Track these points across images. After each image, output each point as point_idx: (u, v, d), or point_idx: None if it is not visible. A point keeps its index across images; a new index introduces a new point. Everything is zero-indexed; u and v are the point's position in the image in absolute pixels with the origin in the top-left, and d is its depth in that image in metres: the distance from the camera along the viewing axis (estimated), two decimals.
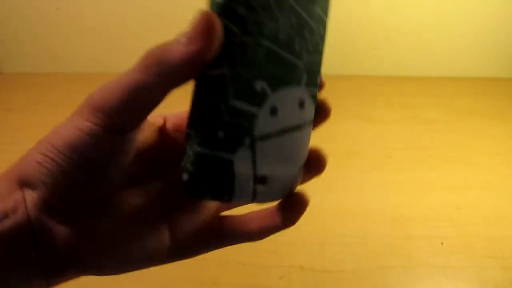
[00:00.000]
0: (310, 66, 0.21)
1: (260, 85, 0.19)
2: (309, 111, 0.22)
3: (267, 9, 0.18)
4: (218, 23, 0.17)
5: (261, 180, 0.20)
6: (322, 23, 0.22)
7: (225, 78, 0.18)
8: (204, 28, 0.17)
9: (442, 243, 0.45)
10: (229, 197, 0.19)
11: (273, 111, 0.20)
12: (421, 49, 0.76)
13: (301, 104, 0.21)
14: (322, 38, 0.22)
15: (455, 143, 0.61)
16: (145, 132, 0.22)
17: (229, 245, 0.23)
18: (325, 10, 0.22)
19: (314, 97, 0.22)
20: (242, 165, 0.19)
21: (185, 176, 0.19)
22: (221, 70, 0.18)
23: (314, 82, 0.22)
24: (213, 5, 0.18)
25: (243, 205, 0.24)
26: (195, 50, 0.17)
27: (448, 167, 0.57)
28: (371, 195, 0.52)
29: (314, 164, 0.24)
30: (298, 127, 0.21)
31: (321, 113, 0.24)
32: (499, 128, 0.65)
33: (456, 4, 0.70)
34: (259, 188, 0.20)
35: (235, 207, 0.24)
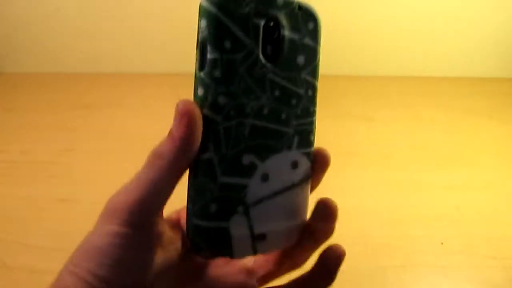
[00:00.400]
0: (301, 129, 0.22)
1: (247, 159, 0.21)
2: (304, 168, 0.23)
3: (247, 91, 0.20)
4: (198, 115, 0.19)
5: (259, 237, 0.22)
6: (310, 86, 0.22)
7: (211, 161, 0.20)
8: (185, 121, 0.19)
9: (442, 243, 0.45)
10: (231, 256, 0.22)
11: (264, 178, 0.21)
12: (421, 49, 0.76)
13: (294, 165, 0.22)
14: (312, 99, 0.23)
15: (455, 143, 0.61)
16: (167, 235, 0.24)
17: None
18: (313, 73, 0.22)
19: (309, 154, 0.23)
20: (238, 229, 0.21)
21: (189, 243, 0.22)
22: (207, 155, 0.20)
23: (308, 142, 0.23)
24: (195, 96, 0.20)
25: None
26: (181, 144, 0.20)
27: (448, 167, 0.57)
28: (371, 195, 0.52)
29: (319, 163, 0.25)
30: (292, 186, 0.22)
31: (321, 162, 0.24)
32: (499, 128, 0.65)
33: (456, 4, 0.70)
34: (258, 244, 0.22)
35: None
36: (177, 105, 0.20)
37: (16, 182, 0.54)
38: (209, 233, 0.21)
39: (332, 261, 0.25)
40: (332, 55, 0.78)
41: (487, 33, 0.74)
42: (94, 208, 0.53)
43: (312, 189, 0.25)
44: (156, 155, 0.21)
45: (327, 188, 0.54)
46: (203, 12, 0.19)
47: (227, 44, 0.19)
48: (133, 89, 0.76)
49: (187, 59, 0.86)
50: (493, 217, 0.49)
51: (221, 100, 0.19)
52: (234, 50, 0.19)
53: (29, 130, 0.65)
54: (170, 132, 0.21)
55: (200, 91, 0.20)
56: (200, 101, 0.20)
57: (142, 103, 0.72)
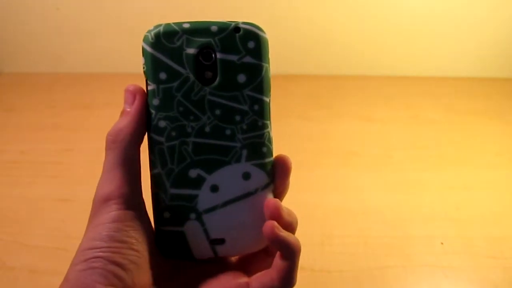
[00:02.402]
0: (250, 142, 0.23)
1: (194, 172, 0.23)
2: (258, 179, 0.24)
3: (187, 113, 0.22)
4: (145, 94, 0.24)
5: (217, 241, 0.24)
6: (256, 101, 0.23)
7: (160, 175, 0.23)
8: (139, 98, 0.23)
9: (442, 243, 0.45)
10: (191, 257, 0.24)
11: (214, 189, 0.23)
12: (421, 49, 0.76)
13: (246, 176, 0.24)
14: (260, 113, 0.24)
15: (455, 143, 0.61)
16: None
17: None
18: (258, 89, 0.23)
19: (263, 164, 0.24)
20: (193, 234, 0.24)
21: (156, 246, 0.24)
22: (156, 170, 0.23)
23: (260, 153, 0.24)
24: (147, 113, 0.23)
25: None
26: (139, 116, 0.23)
27: (448, 167, 0.57)
28: (371, 195, 0.52)
29: (281, 170, 0.25)
30: (246, 195, 0.24)
31: (282, 169, 0.25)
32: (499, 128, 0.65)
33: (456, 4, 0.70)
34: (218, 247, 0.24)
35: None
36: (127, 87, 0.24)
37: (16, 182, 0.54)
38: (167, 236, 0.24)
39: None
40: (332, 55, 0.78)
41: (487, 33, 0.74)
42: None
43: (280, 194, 0.25)
44: (113, 134, 0.23)
45: (327, 187, 0.54)
46: (142, 51, 0.23)
47: (162, 76, 0.22)
48: None
49: None
50: (493, 217, 0.49)
51: (161, 124, 0.23)
52: (169, 80, 0.22)
53: (29, 130, 0.65)
54: (124, 111, 0.23)
55: (147, 117, 0.23)
56: (148, 124, 0.23)
57: None
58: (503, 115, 0.68)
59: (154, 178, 0.23)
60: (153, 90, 0.23)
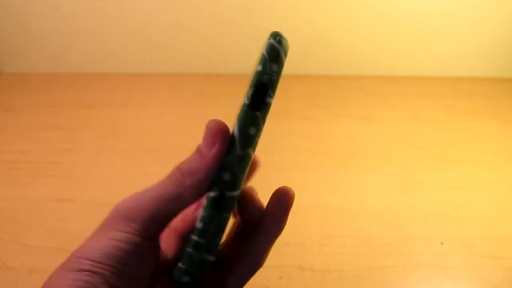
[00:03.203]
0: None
1: None
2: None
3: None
4: (228, 137, 0.20)
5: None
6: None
7: (235, 198, 0.21)
8: (219, 141, 0.20)
9: (442, 243, 0.45)
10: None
11: None
12: (421, 49, 0.76)
13: None
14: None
15: (455, 143, 0.61)
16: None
17: None
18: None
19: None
20: None
21: (185, 278, 0.21)
22: (236, 192, 0.21)
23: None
24: (241, 128, 0.21)
25: None
26: (214, 163, 0.20)
27: (448, 167, 0.57)
28: (371, 195, 0.52)
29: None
30: None
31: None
32: (499, 128, 0.65)
33: (456, 4, 0.70)
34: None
35: None
36: (209, 123, 0.20)
37: (16, 182, 0.54)
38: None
39: (283, 201, 0.23)
40: (332, 55, 0.78)
41: (487, 33, 0.74)
42: (94, 208, 0.53)
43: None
44: (185, 171, 0.21)
45: (327, 187, 0.54)
46: (276, 57, 0.20)
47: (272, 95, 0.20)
48: (133, 89, 0.76)
49: (187, 59, 0.87)
50: (493, 217, 0.49)
51: (252, 150, 0.21)
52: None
53: (29, 130, 0.65)
54: (200, 150, 0.21)
55: (252, 130, 0.20)
56: (251, 141, 0.20)
57: (142, 103, 0.72)
58: (503, 115, 0.68)
59: (222, 223, 0.21)
60: (270, 105, 0.21)
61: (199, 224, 0.21)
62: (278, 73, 0.20)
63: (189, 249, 0.21)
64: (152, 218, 0.20)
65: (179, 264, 0.22)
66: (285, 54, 0.20)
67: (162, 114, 0.68)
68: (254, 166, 0.24)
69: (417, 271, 0.42)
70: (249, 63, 0.90)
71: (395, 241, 0.46)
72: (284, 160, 0.57)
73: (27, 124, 0.67)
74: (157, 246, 0.21)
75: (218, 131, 0.20)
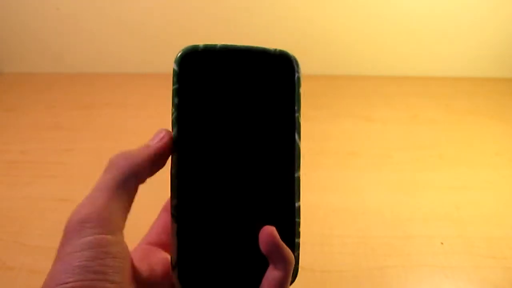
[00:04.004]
0: None
1: None
2: None
3: None
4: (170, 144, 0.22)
5: None
6: None
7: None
8: (165, 140, 0.22)
9: (442, 243, 0.45)
10: None
11: None
12: (421, 49, 0.76)
13: None
14: None
15: (455, 143, 0.61)
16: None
17: None
18: None
19: None
20: None
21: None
22: None
23: None
24: None
25: None
26: (156, 155, 0.22)
27: (448, 167, 0.57)
28: (371, 195, 0.52)
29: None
30: None
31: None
32: (499, 128, 0.65)
33: (456, 4, 0.70)
34: None
35: None
36: (159, 130, 0.23)
37: (16, 182, 0.54)
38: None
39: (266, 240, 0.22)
40: (332, 55, 0.78)
41: (487, 33, 0.74)
42: None
43: None
44: (122, 157, 0.22)
45: (327, 187, 0.54)
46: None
47: None
48: (133, 89, 0.76)
49: None
50: (493, 217, 0.49)
51: None
52: None
53: (29, 130, 0.65)
54: (146, 144, 0.22)
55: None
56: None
57: (141, 103, 0.72)
58: (503, 115, 0.68)
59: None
60: None
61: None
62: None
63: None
64: (103, 211, 0.20)
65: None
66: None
67: (162, 114, 0.68)
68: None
69: (417, 271, 0.42)
70: None
71: (395, 241, 0.46)
72: None
73: (27, 124, 0.67)
74: (119, 241, 0.20)
75: (165, 133, 0.22)
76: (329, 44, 0.75)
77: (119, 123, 0.67)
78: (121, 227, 0.20)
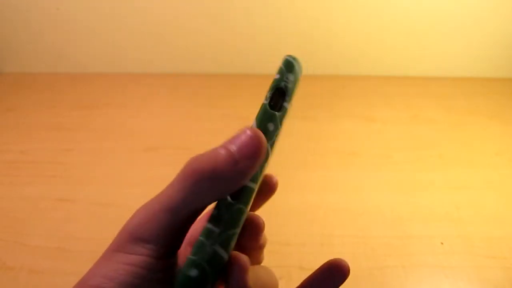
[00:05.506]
0: None
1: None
2: None
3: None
4: (265, 146, 0.17)
5: None
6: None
7: (253, 191, 0.20)
8: (253, 149, 0.17)
9: (442, 243, 0.45)
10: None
11: None
12: (421, 49, 0.76)
13: None
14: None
15: (455, 143, 0.61)
16: None
17: None
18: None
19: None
20: None
21: (193, 272, 0.18)
22: (254, 185, 0.20)
23: None
24: (263, 129, 0.20)
25: None
26: (245, 169, 0.17)
27: (448, 167, 0.57)
28: (371, 195, 0.52)
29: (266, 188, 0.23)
30: None
31: (268, 186, 0.23)
32: (499, 128, 0.65)
33: (456, 4, 0.70)
34: None
35: None
36: (246, 129, 0.17)
37: (16, 182, 0.54)
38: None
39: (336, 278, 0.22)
40: (332, 55, 0.78)
41: (487, 33, 0.74)
42: (94, 208, 0.53)
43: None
44: (204, 172, 0.17)
45: (327, 187, 0.54)
46: (292, 68, 0.22)
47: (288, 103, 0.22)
48: (133, 89, 0.76)
49: (187, 59, 0.87)
50: (493, 217, 0.49)
51: (269, 151, 0.21)
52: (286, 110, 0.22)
53: (29, 130, 0.65)
54: (229, 150, 0.17)
55: (271, 126, 0.21)
56: (269, 137, 0.20)
57: (141, 103, 0.72)
58: (503, 115, 0.68)
59: (247, 192, 0.20)
60: (286, 109, 0.22)
61: (214, 211, 0.19)
62: (293, 82, 0.22)
63: (201, 238, 0.19)
64: (166, 233, 0.17)
65: (188, 256, 0.19)
66: (300, 71, 0.23)
67: (162, 114, 0.68)
68: (271, 188, 0.23)
69: (417, 271, 0.42)
70: (249, 63, 0.91)
71: (395, 241, 0.46)
72: (284, 160, 0.57)
73: (27, 124, 0.67)
74: (174, 265, 0.19)
75: (257, 137, 0.17)
76: (329, 44, 0.75)
77: (119, 123, 0.67)
78: (177, 250, 0.19)
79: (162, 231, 0.17)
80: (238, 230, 0.20)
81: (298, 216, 0.48)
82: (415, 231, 0.47)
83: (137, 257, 0.17)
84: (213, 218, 0.19)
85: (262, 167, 0.20)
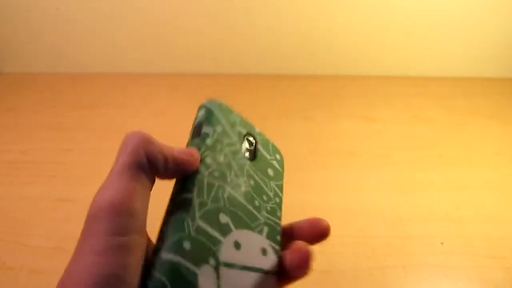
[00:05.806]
0: (270, 224, 0.25)
1: (224, 218, 0.23)
2: (271, 261, 0.24)
3: (229, 166, 0.24)
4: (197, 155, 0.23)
5: None
6: (277, 195, 0.27)
7: (192, 201, 0.22)
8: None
9: (442, 243, 0.45)
10: None
11: (237, 245, 0.23)
12: (421, 49, 0.76)
13: (264, 252, 0.24)
14: (279, 205, 0.26)
15: (455, 143, 0.61)
16: None
17: None
18: (279, 188, 0.27)
19: (276, 252, 0.24)
20: (206, 281, 0.21)
21: (152, 285, 0.19)
22: (188, 194, 0.22)
23: (276, 239, 0.25)
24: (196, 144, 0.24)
25: None
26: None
27: (448, 167, 0.57)
28: (371, 195, 0.52)
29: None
30: (260, 270, 0.23)
31: (320, 229, 0.25)
32: (499, 128, 0.65)
33: (457, 4, 0.70)
34: None
35: None
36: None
37: (16, 182, 0.54)
38: (178, 269, 0.20)
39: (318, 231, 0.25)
40: (332, 55, 0.78)
41: (487, 33, 0.74)
42: None
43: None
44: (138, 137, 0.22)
45: (327, 187, 0.54)
46: (201, 108, 0.26)
47: (219, 128, 0.25)
48: (133, 89, 0.76)
49: (187, 59, 0.87)
50: (493, 217, 0.49)
51: (208, 160, 0.24)
52: (224, 134, 0.25)
53: (29, 130, 0.65)
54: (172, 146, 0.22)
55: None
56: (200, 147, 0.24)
57: (141, 103, 0.72)
58: (503, 115, 0.68)
59: (184, 203, 0.22)
60: (206, 133, 0.25)
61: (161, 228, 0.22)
62: (203, 116, 0.26)
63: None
64: (128, 201, 0.19)
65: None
66: (218, 107, 0.26)
67: (162, 114, 0.68)
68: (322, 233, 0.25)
69: (417, 271, 0.42)
70: (249, 63, 0.90)
71: (395, 241, 0.46)
72: (284, 160, 0.57)
73: (27, 124, 0.67)
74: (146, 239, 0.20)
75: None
76: (330, 44, 0.75)
77: (119, 123, 0.67)
78: (144, 223, 0.20)
79: (127, 200, 0.19)
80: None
81: (298, 216, 0.48)
82: (415, 231, 0.47)
83: (111, 238, 0.18)
84: (159, 237, 0.21)
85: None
